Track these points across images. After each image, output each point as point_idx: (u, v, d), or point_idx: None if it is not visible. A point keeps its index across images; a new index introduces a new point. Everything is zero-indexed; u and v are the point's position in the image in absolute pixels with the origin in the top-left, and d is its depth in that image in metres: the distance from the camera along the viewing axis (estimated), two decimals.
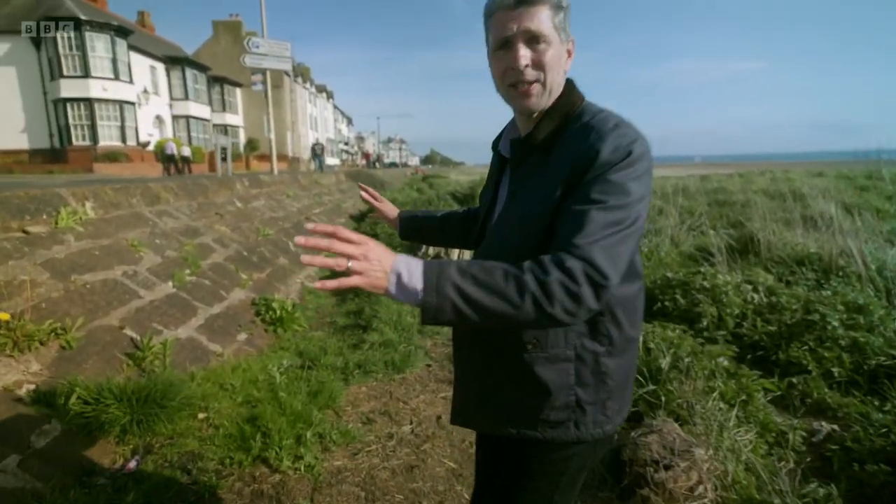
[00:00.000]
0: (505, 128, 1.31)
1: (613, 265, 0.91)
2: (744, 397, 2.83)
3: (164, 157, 21.36)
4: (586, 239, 0.91)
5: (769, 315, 3.89)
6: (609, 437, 1.18)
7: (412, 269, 0.89)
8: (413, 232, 1.66)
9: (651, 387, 2.90)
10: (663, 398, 2.80)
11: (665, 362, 3.02)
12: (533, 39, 1.04)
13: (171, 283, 4.41)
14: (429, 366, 4.03)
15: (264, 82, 13.92)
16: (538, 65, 1.05)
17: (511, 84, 1.08)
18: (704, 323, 3.92)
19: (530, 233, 1.04)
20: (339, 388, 3.44)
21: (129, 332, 3.47)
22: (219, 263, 5.40)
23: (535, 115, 1.12)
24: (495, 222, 1.18)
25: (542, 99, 1.09)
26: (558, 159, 1.04)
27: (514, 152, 1.18)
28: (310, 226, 0.89)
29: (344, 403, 3.35)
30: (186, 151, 22.90)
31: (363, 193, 1.71)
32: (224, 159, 12.13)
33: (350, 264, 0.88)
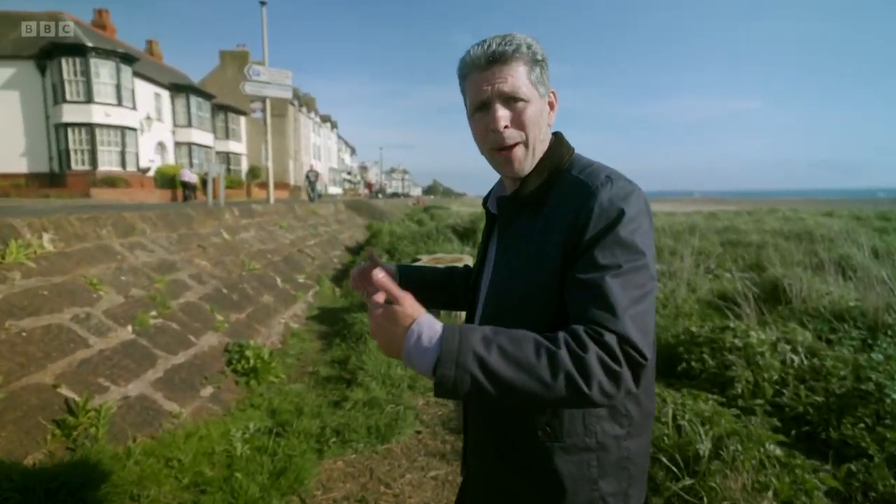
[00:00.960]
0: (494, 185, 1.23)
1: (646, 339, 0.85)
2: (803, 498, 2.29)
3: (182, 184, 22.47)
4: (615, 311, 0.84)
5: (813, 382, 3.36)
6: None
7: (429, 331, 0.83)
8: (412, 290, 1.30)
9: (688, 481, 2.36)
10: (705, 498, 2.26)
11: (704, 448, 2.48)
12: (510, 99, 0.99)
13: (130, 328, 3.90)
14: (419, 433, 3.48)
15: (263, 110, 13.70)
16: (519, 124, 1.00)
17: (493, 148, 1.03)
18: (738, 389, 3.39)
19: (531, 295, 0.98)
20: (310, 465, 2.89)
21: (65, 391, 2.94)
22: (192, 303, 4.89)
23: (522, 175, 1.06)
24: (490, 283, 1.10)
25: (527, 161, 1.04)
26: (551, 216, 0.99)
27: (502, 211, 1.11)
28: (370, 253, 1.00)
29: (314, 486, 2.79)
30: (194, 178, 23.49)
31: (352, 286, 1.42)
32: (204, 186, 11.67)
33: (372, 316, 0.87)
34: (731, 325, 3.91)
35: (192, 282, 5.30)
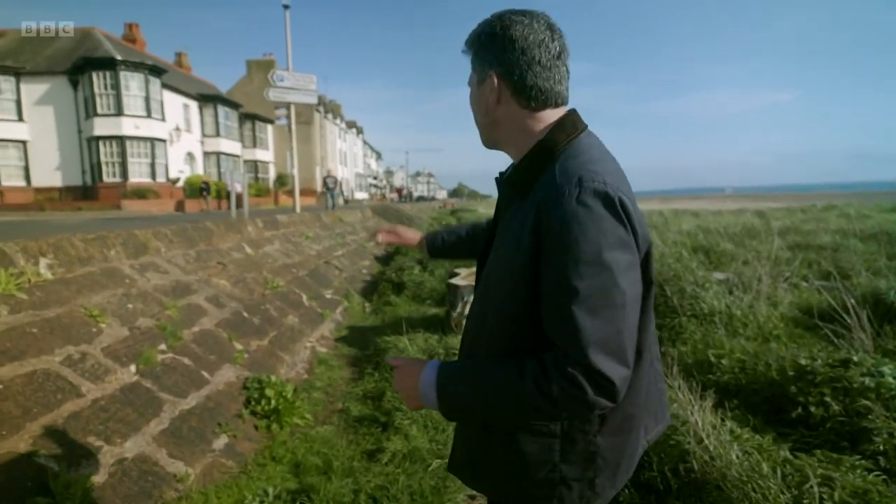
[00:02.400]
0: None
1: (618, 358, 0.87)
2: None
3: (226, 194, 24.43)
4: (581, 341, 0.86)
5: None
6: None
7: (429, 383, 1.00)
8: (439, 253, 1.65)
9: None
10: None
11: None
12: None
13: (133, 368, 3.38)
14: (472, 498, 2.85)
15: (288, 116, 13.32)
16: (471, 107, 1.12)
17: None
18: (878, 444, 2.65)
19: (506, 292, 1.01)
20: None
21: (42, 458, 2.41)
22: (208, 331, 4.38)
23: (519, 155, 1.08)
24: (486, 271, 1.14)
25: (484, 138, 1.13)
26: (531, 207, 0.97)
27: (500, 192, 1.15)
28: None
29: None
30: (238, 188, 23.39)
31: (381, 238, 1.71)
32: (220, 195, 11.25)
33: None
34: (854, 357, 3.15)
35: (208, 305, 4.79)
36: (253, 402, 3.72)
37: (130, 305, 4.00)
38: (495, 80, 1.03)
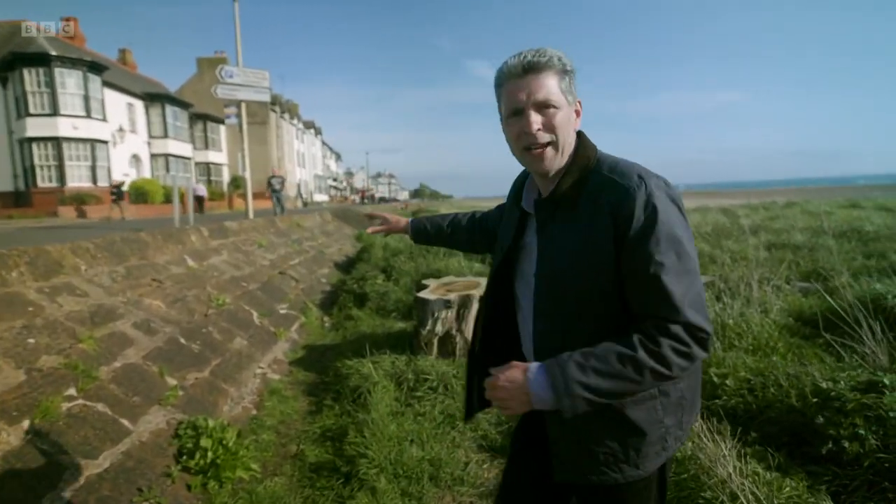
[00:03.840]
0: (519, 179, 1.42)
1: (705, 315, 1.07)
2: None
3: (195, 199, 23.36)
4: (675, 304, 1.03)
5: None
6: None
7: (541, 383, 1.07)
8: (423, 238, 1.85)
9: None
10: None
11: None
12: (542, 106, 1.14)
13: (27, 424, 2.69)
14: None
15: (239, 115, 12.46)
16: (549, 127, 1.15)
17: (525, 147, 1.18)
18: None
19: (594, 283, 1.12)
20: None
21: None
22: (133, 366, 3.68)
23: (554, 174, 1.21)
24: (540, 279, 1.22)
25: (556, 160, 1.19)
26: (590, 213, 1.13)
27: (540, 209, 1.25)
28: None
29: None
30: (203, 191, 24.26)
31: (370, 231, 1.92)
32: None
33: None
34: (885, 378, 2.78)
35: (136, 333, 4.09)
36: (185, 456, 3.08)
37: (32, 340, 3.28)
38: (579, 107, 1.22)
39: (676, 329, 1.03)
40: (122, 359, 3.69)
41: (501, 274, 1.38)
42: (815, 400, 2.84)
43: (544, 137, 1.15)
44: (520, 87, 1.14)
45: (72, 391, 3.09)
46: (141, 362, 3.77)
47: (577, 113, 1.21)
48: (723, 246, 7.71)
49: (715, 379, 3.52)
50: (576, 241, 1.14)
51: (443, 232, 1.81)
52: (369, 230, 1.94)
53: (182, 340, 4.39)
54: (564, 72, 1.15)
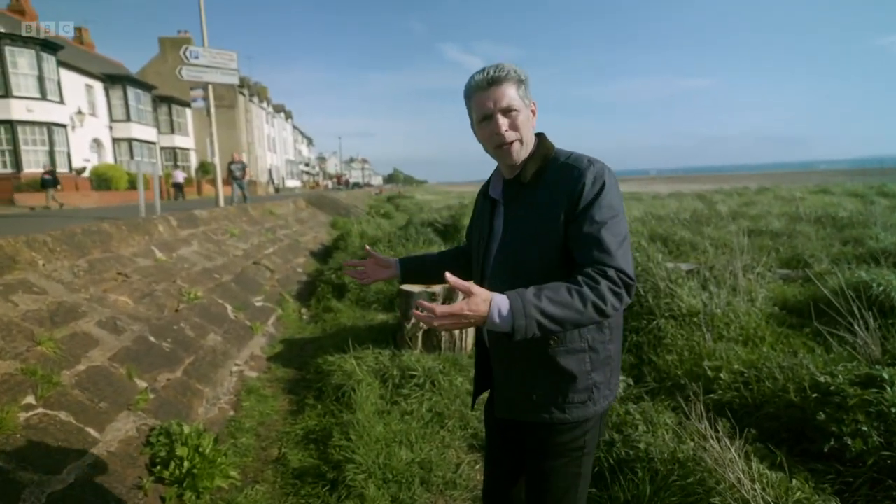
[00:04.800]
0: (490, 179, 1.62)
1: (631, 268, 1.28)
2: None
3: (173, 185, 24.18)
4: (611, 253, 1.27)
5: None
6: (609, 406, 1.52)
7: (502, 303, 1.18)
8: (413, 278, 1.89)
9: None
10: None
11: None
12: (507, 111, 1.38)
13: None
14: None
15: (206, 98, 11.92)
16: (514, 127, 1.39)
17: (497, 145, 1.42)
18: None
19: (545, 248, 1.37)
20: None
21: None
22: (99, 368, 3.43)
23: (520, 164, 1.45)
24: (500, 247, 1.48)
25: (522, 152, 1.43)
26: (549, 192, 1.38)
27: (506, 191, 1.51)
28: (416, 312, 1.18)
29: None
30: (181, 177, 24.77)
31: (356, 277, 1.93)
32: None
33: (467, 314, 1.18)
34: (883, 372, 2.75)
35: (101, 332, 3.82)
36: (159, 465, 2.87)
37: None
38: (534, 107, 1.47)
39: (611, 273, 1.24)
40: (87, 361, 3.43)
41: (480, 257, 1.56)
42: (814, 395, 2.80)
43: (511, 136, 1.39)
44: (487, 97, 1.37)
45: (30, 399, 2.83)
46: (107, 364, 3.52)
47: (534, 112, 1.45)
48: (703, 233, 7.73)
49: (709, 372, 3.47)
50: (535, 216, 1.38)
51: (433, 267, 1.88)
52: (347, 272, 2.03)
53: (152, 339, 4.14)
54: (520, 81, 1.39)
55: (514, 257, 1.42)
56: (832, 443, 2.53)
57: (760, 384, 3.18)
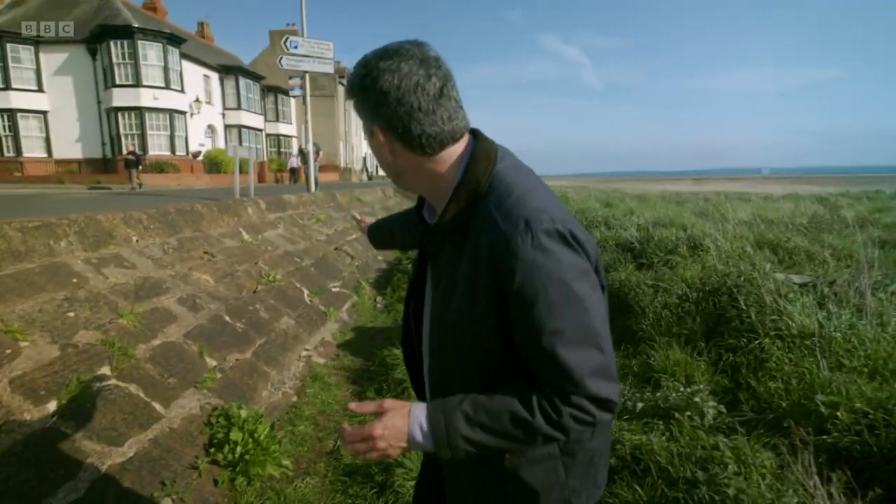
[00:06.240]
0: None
1: (610, 377, 0.92)
2: None
3: (290, 170, 27.12)
4: (577, 378, 0.89)
5: None
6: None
7: (423, 418, 0.95)
8: (384, 246, 1.79)
9: None
10: None
11: None
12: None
13: (53, 405, 2.57)
14: None
15: (303, 86, 12.38)
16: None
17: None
18: None
19: (479, 333, 0.97)
20: None
21: None
22: (173, 344, 3.56)
23: (442, 195, 1.03)
24: (432, 315, 1.09)
25: (397, 184, 1.09)
26: (473, 255, 0.95)
27: (427, 241, 1.09)
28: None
29: None
30: (297, 163, 26.54)
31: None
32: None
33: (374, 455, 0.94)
34: None
35: (180, 309, 3.98)
36: (215, 447, 2.90)
37: (71, 314, 3.19)
38: (381, 136, 0.99)
39: (578, 400, 0.90)
40: (163, 336, 3.57)
41: (409, 312, 1.24)
42: None
43: (381, 164, 1.14)
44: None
45: (105, 370, 2.96)
46: (181, 341, 3.64)
47: (381, 139, 1.07)
48: (822, 241, 6.78)
49: (822, 408, 2.92)
50: (465, 286, 0.97)
51: (395, 237, 1.69)
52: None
53: (227, 318, 4.26)
54: (363, 91, 1.05)
55: (446, 333, 1.05)
56: None
57: (890, 430, 2.62)
